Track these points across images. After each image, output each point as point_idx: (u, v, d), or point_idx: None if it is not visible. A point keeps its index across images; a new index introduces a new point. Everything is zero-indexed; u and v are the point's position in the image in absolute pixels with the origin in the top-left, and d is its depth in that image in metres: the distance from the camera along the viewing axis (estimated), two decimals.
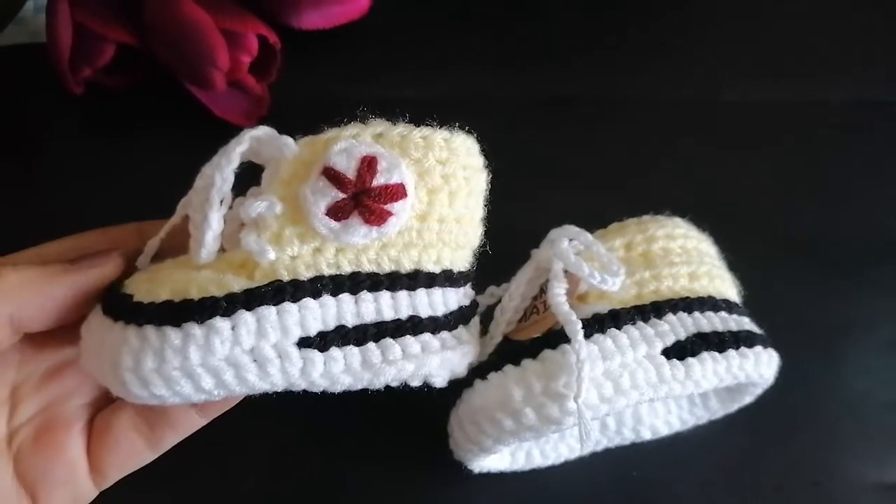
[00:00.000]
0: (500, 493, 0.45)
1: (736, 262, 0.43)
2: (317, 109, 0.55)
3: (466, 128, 0.34)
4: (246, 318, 0.29)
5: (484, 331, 0.39)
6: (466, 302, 0.36)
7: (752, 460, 0.47)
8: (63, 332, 0.32)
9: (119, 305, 0.30)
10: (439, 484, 0.45)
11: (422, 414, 0.43)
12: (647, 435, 0.46)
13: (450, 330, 0.34)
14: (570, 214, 0.40)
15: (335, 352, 0.30)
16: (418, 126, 0.32)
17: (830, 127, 0.61)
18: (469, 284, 0.36)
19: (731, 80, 0.62)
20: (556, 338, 0.35)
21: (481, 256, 0.36)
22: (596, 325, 0.36)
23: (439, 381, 0.34)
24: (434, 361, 0.32)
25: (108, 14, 0.51)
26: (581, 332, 0.34)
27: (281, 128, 0.51)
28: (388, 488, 0.45)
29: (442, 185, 0.32)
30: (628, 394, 0.34)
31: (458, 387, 0.38)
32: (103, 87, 0.55)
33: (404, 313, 0.32)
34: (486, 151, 0.35)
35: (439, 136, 0.32)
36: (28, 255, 0.34)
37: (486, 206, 0.36)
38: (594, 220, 0.41)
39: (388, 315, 0.32)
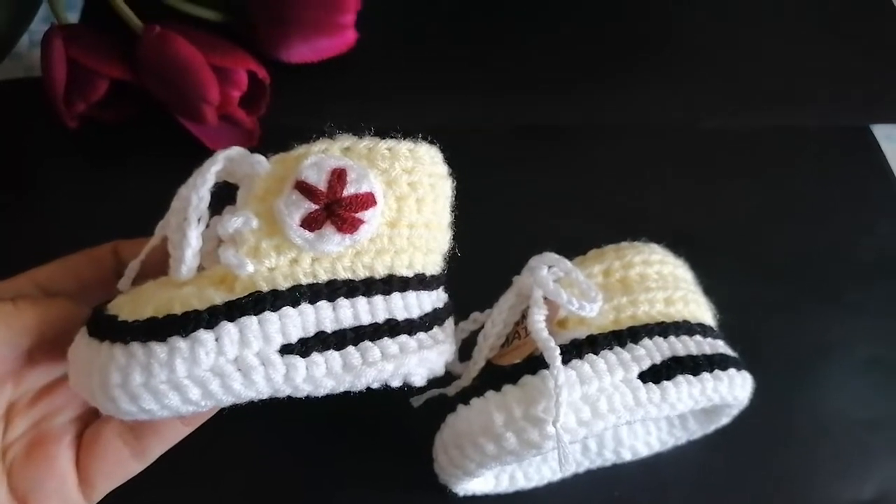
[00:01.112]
0: None
1: (713, 285, 0.45)
2: (304, 140, 0.57)
3: (430, 139, 0.36)
4: (229, 328, 0.30)
5: (468, 356, 0.41)
6: (440, 304, 0.37)
7: (730, 481, 0.48)
8: (57, 349, 0.34)
9: (104, 326, 0.31)
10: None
11: (407, 437, 0.43)
12: (627, 456, 0.46)
13: (425, 331, 0.35)
14: (552, 240, 0.42)
15: (317, 357, 0.31)
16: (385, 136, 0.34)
17: (807, 152, 0.63)
18: (442, 288, 0.38)
19: (710, 107, 0.64)
20: (536, 363, 0.36)
21: (464, 283, 0.38)
22: (574, 350, 0.37)
23: (418, 380, 0.35)
24: (412, 361, 0.33)
25: (101, 50, 0.54)
26: (559, 358, 0.35)
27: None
28: None
29: (409, 193, 0.34)
30: (606, 417, 0.35)
31: (442, 411, 0.39)
32: (98, 121, 0.57)
33: (381, 317, 0.33)
34: (471, 179, 0.37)
35: (404, 146, 0.34)
36: (21, 280, 0.36)
37: (469, 233, 0.37)
38: (575, 245, 0.43)
39: (366, 319, 0.33)
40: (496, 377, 0.38)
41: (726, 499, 0.47)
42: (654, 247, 0.43)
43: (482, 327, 0.41)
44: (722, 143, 0.63)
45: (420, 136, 0.35)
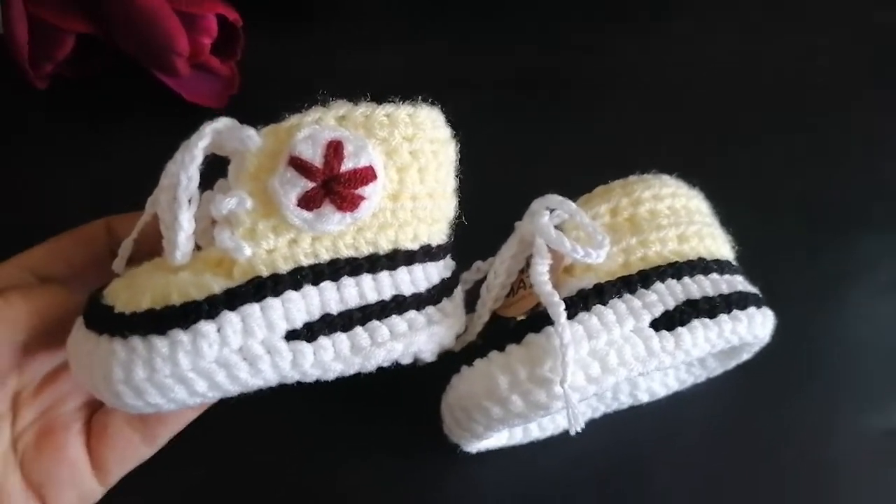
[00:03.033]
0: (499, 470, 0.45)
1: (727, 218, 0.43)
2: (288, 83, 0.55)
3: (430, 100, 0.34)
4: (231, 318, 0.29)
5: (472, 308, 0.40)
6: (447, 274, 0.36)
7: (753, 415, 0.47)
8: (57, 338, 0.33)
9: (101, 318, 0.30)
10: (436, 466, 0.45)
11: (413, 395, 0.42)
12: (644, 398, 0.46)
13: (434, 304, 0.35)
14: (558, 184, 0.39)
15: (323, 340, 0.31)
16: (382, 100, 0.33)
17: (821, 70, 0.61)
18: (448, 256, 0.37)
19: (717, 36, 0.62)
20: (540, 320, 0.35)
21: (466, 230, 0.37)
22: (580, 302, 0.35)
23: (428, 356, 0.34)
24: (422, 338, 0.33)
25: (64, 5, 0.50)
26: (564, 315, 0.34)
27: (254, 105, 0.51)
28: (385, 474, 0.45)
29: (411, 162, 0.33)
30: (616, 371, 0.34)
31: (448, 367, 0.38)
32: (68, 79, 0.55)
33: (387, 293, 0.33)
34: (465, 125, 0.35)
35: (403, 112, 0.33)
36: (11, 266, 0.35)
37: (467, 178, 0.36)
38: (584, 189, 0.41)
39: (372, 297, 0.32)
40: (499, 336, 0.37)
41: (748, 436, 0.47)
42: (666, 178, 0.41)
43: (486, 278, 0.40)
44: (731, 73, 0.61)
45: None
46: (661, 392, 0.46)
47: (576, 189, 0.40)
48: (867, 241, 0.53)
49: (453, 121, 0.35)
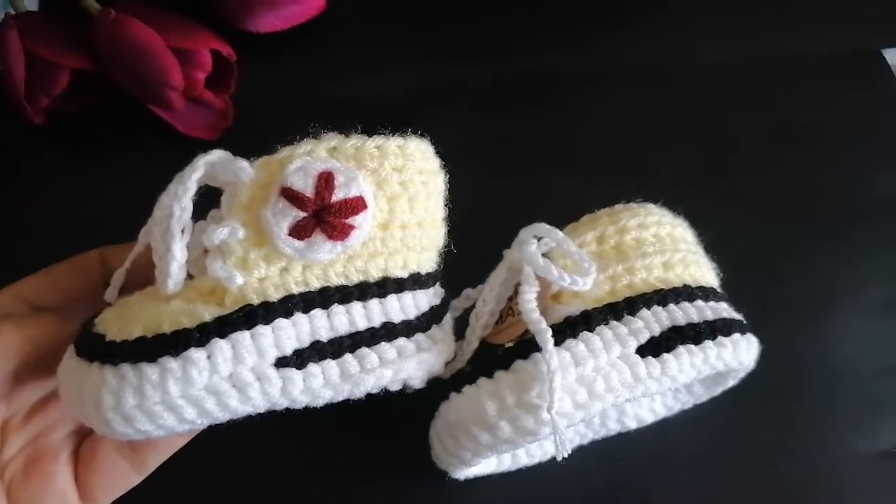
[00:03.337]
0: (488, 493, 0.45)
1: (719, 225, 0.43)
2: (281, 114, 0.56)
3: (420, 132, 0.35)
4: (221, 345, 0.29)
5: (461, 335, 0.40)
6: (437, 301, 0.37)
7: (740, 435, 0.47)
8: (48, 366, 0.33)
9: (92, 346, 0.31)
10: (423, 491, 0.45)
11: (402, 421, 0.42)
12: (632, 425, 0.46)
13: (423, 331, 0.35)
14: (549, 201, 0.40)
15: (313, 367, 0.31)
16: (373, 130, 0.33)
17: (814, 80, 0.60)
18: (438, 283, 0.37)
19: (713, 40, 0.62)
20: (528, 347, 0.36)
21: (455, 257, 0.37)
22: (568, 329, 0.36)
23: (417, 383, 0.35)
24: (411, 365, 0.33)
25: (60, 39, 0.52)
26: (551, 342, 0.34)
27: (248, 136, 0.52)
28: (372, 498, 0.45)
29: (401, 192, 0.33)
30: (603, 397, 0.35)
31: (436, 393, 0.38)
32: (64, 113, 0.55)
33: (377, 321, 0.33)
34: (453, 142, 0.36)
35: (393, 143, 0.33)
36: (5, 295, 0.35)
37: (458, 201, 0.36)
38: (575, 205, 0.42)
39: (362, 325, 0.33)
40: (488, 363, 0.37)
41: (736, 458, 0.47)
42: (651, 207, 0.42)
43: (474, 305, 0.40)
44: (726, 78, 0.61)
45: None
46: (650, 418, 0.46)
47: (564, 216, 0.41)
48: (857, 259, 0.53)
49: (442, 151, 0.36)
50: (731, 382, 0.43)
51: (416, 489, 0.45)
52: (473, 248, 0.37)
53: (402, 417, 0.40)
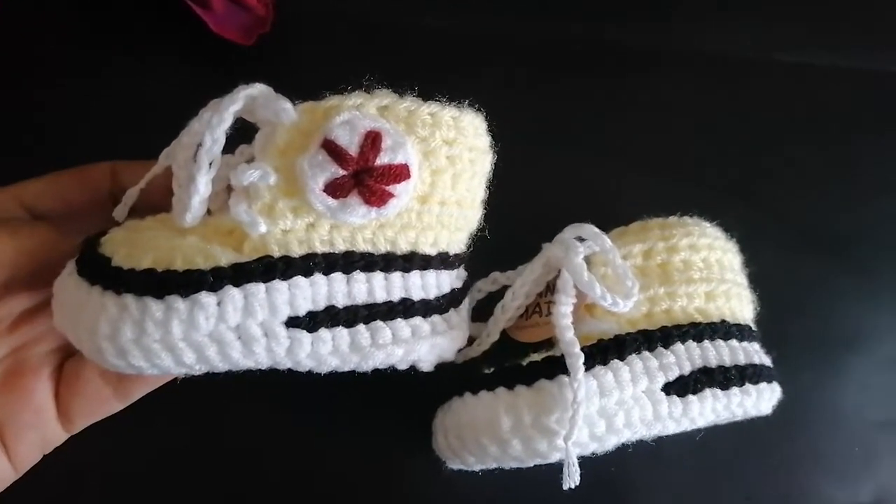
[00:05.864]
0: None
1: (753, 248, 0.42)
2: (323, 29, 0.53)
3: (476, 106, 0.33)
4: (233, 294, 0.29)
5: (480, 317, 0.39)
6: (459, 284, 0.36)
7: (729, 465, 0.47)
8: (40, 277, 0.32)
9: (96, 268, 0.29)
10: (416, 472, 0.45)
11: (407, 403, 0.42)
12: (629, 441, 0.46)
13: (441, 313, 0.34)
14: (588, 190, 0.39)
15: (324, 333, 0.30)
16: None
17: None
18: (462, 266, 0.36)
19: (786, 38, 0.58)
20: (554, 367, 0.35)
21: (485, 239, 0.36)
22: (598, 354, 0.35)
23: (426, 367, 0.34)
24: (424, 347, 0.33)
25: None
26: (582, 370, 0.33)
27: (283, 47, 0.49)
28: (370, 479, 0.45)
29: (447, 167, 0.32)
30: (621, 432, 0.34)
31: (445, 381, 0.38)
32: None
33: (396, 295, 0.32)
34: (502, 100, 0.34)
35: (448, 113, 0.32)
36: (6, 197, 0.34)
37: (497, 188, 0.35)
38: (615, 196, 0.40)
39: (380, 297, 0.32)
40: (510, 373, 0.36)
41: (723, 483, 0.47)
42: (705, 227, 0.41)
43: (501, 289, 0.39)
44: (794, 84, 0.57)
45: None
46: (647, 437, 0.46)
47: (600, 204, 0.40)
48: (887, 304, 0.52)
49: (495, 131, 0.34)
50: (738, 419, 0.43)
51: (412, 473, 0.45)
52: (504, 231, 0.36)
53: (405, 397, 0.40)
